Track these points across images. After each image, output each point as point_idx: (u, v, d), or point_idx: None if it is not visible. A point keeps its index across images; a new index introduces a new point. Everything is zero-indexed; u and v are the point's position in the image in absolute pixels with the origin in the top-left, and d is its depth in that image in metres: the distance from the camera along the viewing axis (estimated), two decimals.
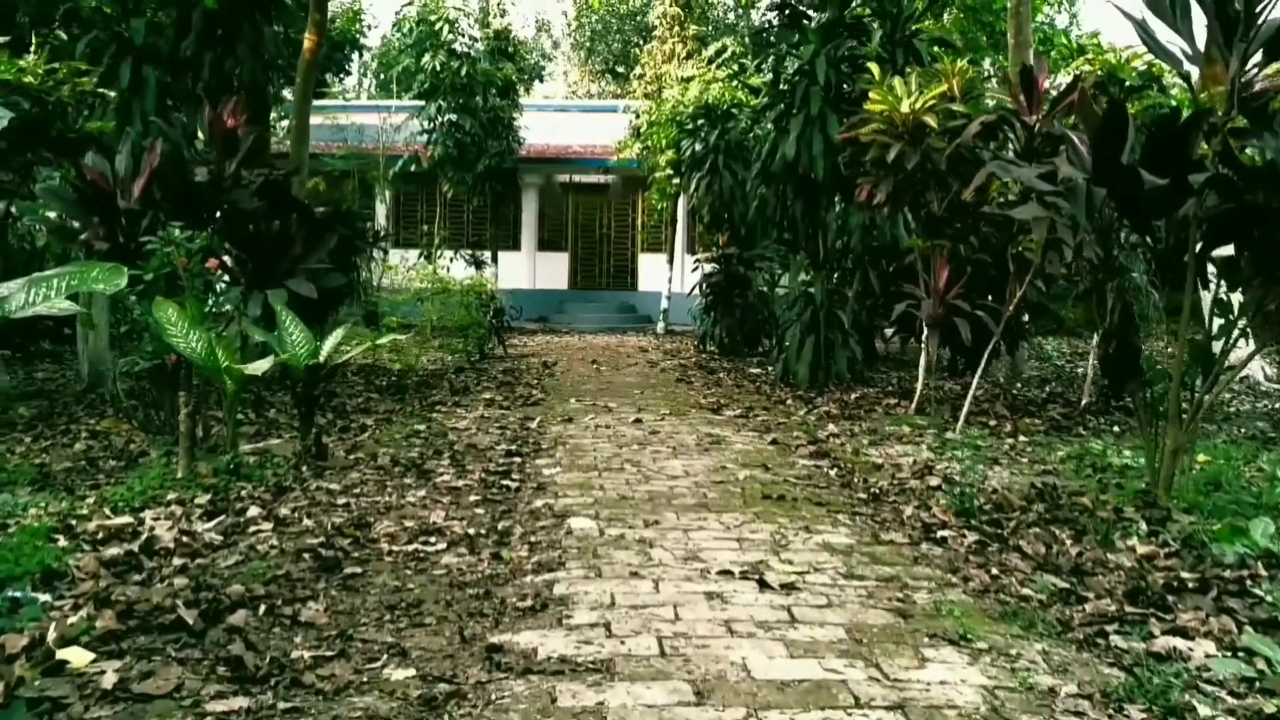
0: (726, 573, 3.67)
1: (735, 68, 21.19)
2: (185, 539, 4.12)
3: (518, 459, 6.06)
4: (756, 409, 8.94)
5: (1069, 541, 4.52)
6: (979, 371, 8.22)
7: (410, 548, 3.94)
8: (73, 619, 3.19)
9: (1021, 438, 7.89)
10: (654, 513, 4.66)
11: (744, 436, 7.23)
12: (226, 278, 8.24)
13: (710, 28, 26.86)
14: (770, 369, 13.30)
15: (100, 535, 4.34)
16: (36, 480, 5.76)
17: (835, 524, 4.62)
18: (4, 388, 9.56)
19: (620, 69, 36.67)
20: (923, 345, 8.98)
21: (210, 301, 7.17)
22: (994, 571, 3.94)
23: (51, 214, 7.98)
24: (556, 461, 5.95)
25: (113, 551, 4.00)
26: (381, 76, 31.97)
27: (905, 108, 8.04)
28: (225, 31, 10.18)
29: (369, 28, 28.19)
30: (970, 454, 7.06)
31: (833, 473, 5.99)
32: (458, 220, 23.98)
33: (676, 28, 22.33)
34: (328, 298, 10.68)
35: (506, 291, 21.44)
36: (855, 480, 5.76)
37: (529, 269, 23.96)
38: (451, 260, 20.34)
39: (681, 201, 21.25)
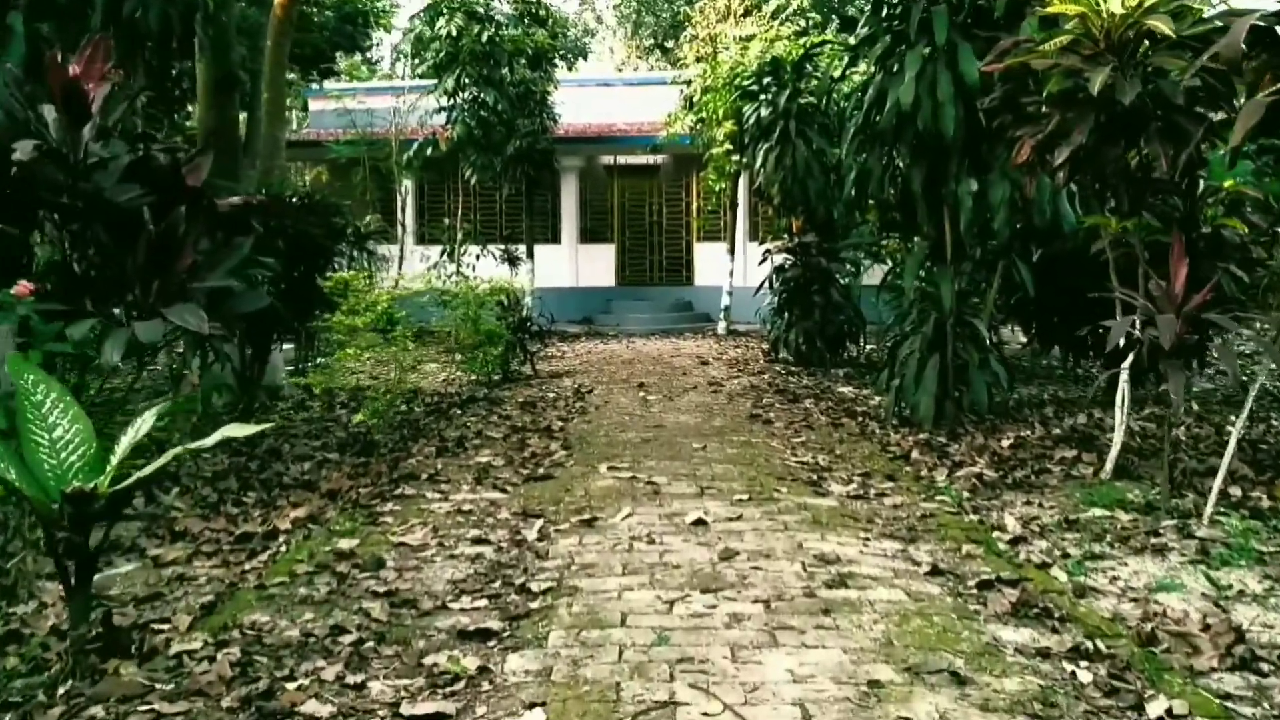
0: None
1: (803, 23, 18.27)
2: None
3: (474, 654, 3.22)
4: (875, 474, 6.02)
5: None
6: (1241, 421, 5.19)
7: None
8: None
9: None
10: None
11: (879, 556, 4.31)
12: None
13: None
14: (866, 388, 10.35)
15: None
16: None
17: None
18: None
19: (670, 44, 33.76)
20: (1120, 380, 5.99)
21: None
22: None
23: None
24: (543, 669, 3.08)
25: None
26: (415, 60, 29.30)
27: (1116, 6, 5.05)
28: None
29: (395, 5, 25.51)
30: (1266, 577, 4.12)
31: (1085, 678, 3.05)
32: (489, 211, 21.29)
33: None
34: (262, 323, 8.04)
35: (542, 291, 18.73)
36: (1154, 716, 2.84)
37: (570, 264, 21.20)
38: (478, 257, 17.65)
39: (743, 181, 18.30)
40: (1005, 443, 6.90)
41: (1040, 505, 5.43)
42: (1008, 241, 7.42)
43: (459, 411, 9.12)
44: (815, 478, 5.84)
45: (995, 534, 4.72)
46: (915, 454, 6.71)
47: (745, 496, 5.24)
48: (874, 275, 13.60)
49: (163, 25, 7.62)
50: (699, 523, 4.71)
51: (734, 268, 18.52)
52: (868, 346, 13.67)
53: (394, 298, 7.14)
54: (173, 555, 4.69)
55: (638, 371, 12.04)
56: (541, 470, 6.19)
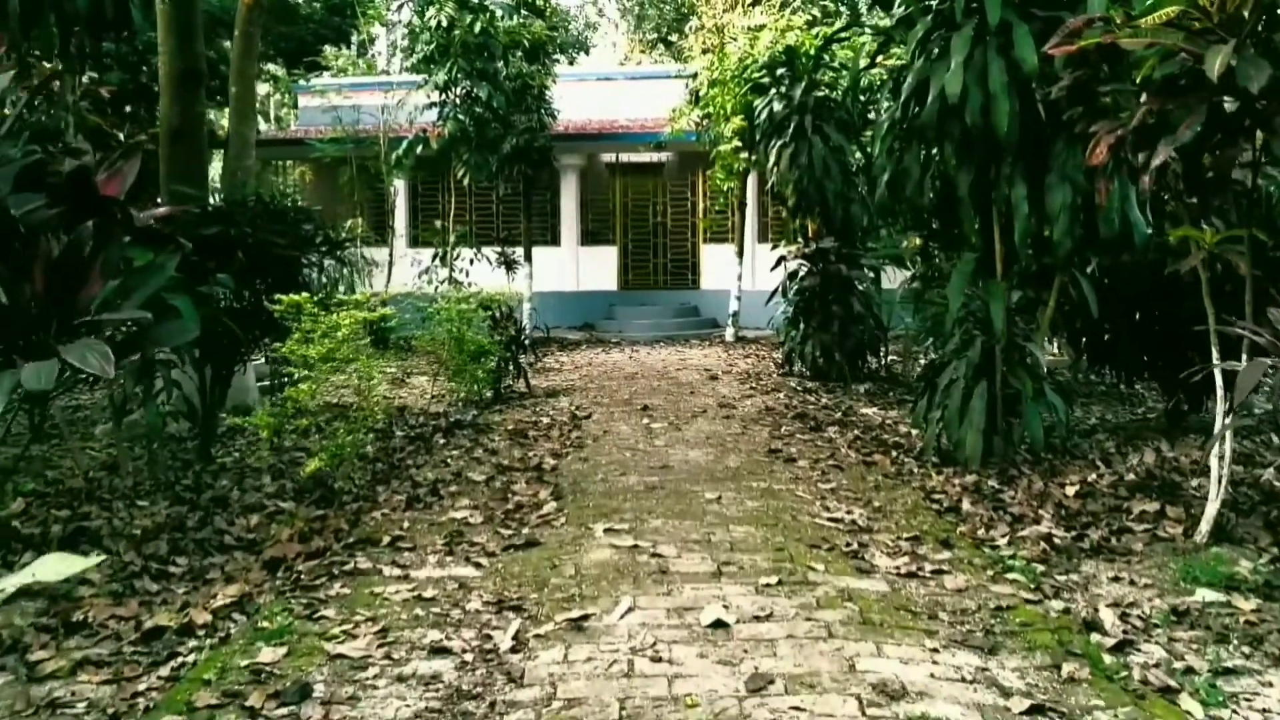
0: None
1: (815, 13, 17.29)
2: None
3: None
4: (926, 538, 5.02)
5: None
6: None
7: None
8: None
9: None
10: None
11: (956, 680, 3.29)
12: None
13: None
14: (891, 409, 9.37)
15: None
16: None
17: None
18: None
19: (674, 37, 32.79)
20: (1221, 424, 4.99)
21: None
22: None
23: None
24: None
25: None
26: (409, 53, 28.18)
27: None
28: None
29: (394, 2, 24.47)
30: None
31: None
32: (485, 212, 20.31)
33: None
34: (220, 342, 7.13)
35: (541, 296, 17.83)
36: None
37: (571, 267, 20.22)
38: (472, 261, 16.68)
39: (752, 180, 17.35)
40: (1070, 490, 5.91)
41: (1133, 583, 4.43)
42: (1069, 255, 6.42)
43: (442, 440, 8.17)
44: (855, 545, 4.84)
45: (1093, 637, 3.72)
46: (966, 504, 5.72)
47: (773, 579, 4.24)
48: (892, 277, 12.64)
49: (93, 8, 6.64)
50: (718, 625, 3.70)
51: (742, 271, 17.56)
52: (889, 357, 12.69)
53: (357, 321, 6.11)
54: (56, 664, 3.71)
55: (641, 390, 11.05)
56: (526, 531, 5.20)
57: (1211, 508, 4.99)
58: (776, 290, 12.30)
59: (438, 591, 4.25)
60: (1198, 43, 4.23)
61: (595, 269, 20.39)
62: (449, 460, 7.26)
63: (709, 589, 4.14)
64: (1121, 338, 8.04)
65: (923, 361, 12.75)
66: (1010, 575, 4.45)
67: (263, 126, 25.95)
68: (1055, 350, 11.67)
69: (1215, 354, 5.07)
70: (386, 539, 5.14)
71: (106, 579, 4.79)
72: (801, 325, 11.94)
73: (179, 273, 6.53)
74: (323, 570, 4.67)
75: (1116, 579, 4.51)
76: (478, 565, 4.63)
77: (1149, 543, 5.04)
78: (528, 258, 17.88)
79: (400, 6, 16.67)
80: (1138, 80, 4.51)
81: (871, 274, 12.16)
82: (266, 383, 10.12)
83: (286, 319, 6.13)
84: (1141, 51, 4.52)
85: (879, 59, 7.85)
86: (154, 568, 4.94)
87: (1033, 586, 4.31)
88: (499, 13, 16.73)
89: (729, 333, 17.56)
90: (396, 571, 4.58)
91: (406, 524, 5.46)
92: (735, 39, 16.16)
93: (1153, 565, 4.70)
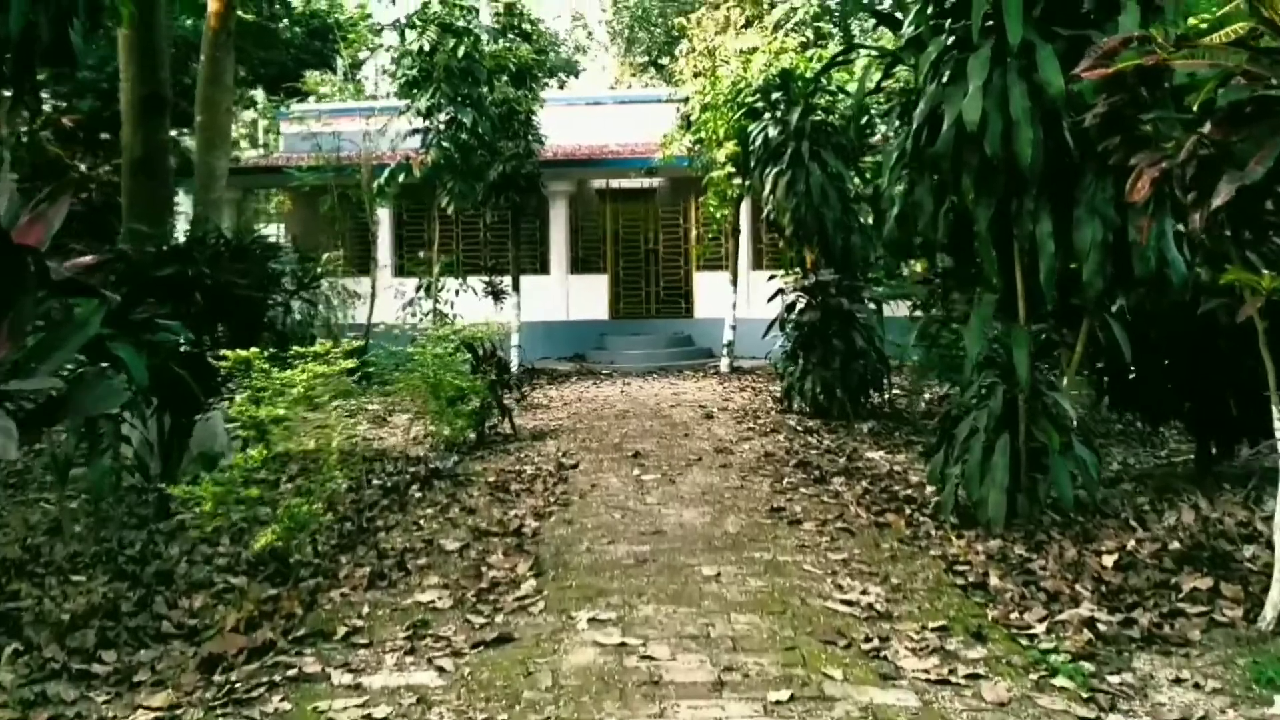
0: None
1: (809, 35, 16.83)
2: None
3: None
4: (954, 628, 4.41)
5: None
6: None
7: None
8: None
9: None
10: None
11: None
12: None
13: None
14: (899, 451, 8.79)
15: None
16: None
17: None
18: None
19: (665, 60, 32.38)
20: None
21: None
22: None
23: None
24: None
25: None
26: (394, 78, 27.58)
27: None
28: None
29: (366, 14, 23.94)
30: None
31: None
32: (472, 240, 19.75)
33: None
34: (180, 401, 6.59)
35: (530, 326, 17.27)
36: None
37: (561, 296, 19.65)
38: (458, 292, 16.09)
39: (746, 206, 16.83)
40: (1107, 560, 5.31)
41: (1198, 686, 3.83)
42: (1099, 296, 5.84)
43: (417, 493, 7.57)
44: (874, 639, 4.23)
45: None
46: (994, 579, 5.12)
47: (784, 693, 3.61)
48: (894, 307, 12.11)
49: (25, 35, 6.02)
50: None
51: (737, 299, 16.97)
52: (892, 391, 12.11)
53: (314, 377, 5.49)
54: None
55: (632, 431, 10.44)
56: (499, 620, 4.57)
57: (1277, 591, 4.40)
58: (774, 323, 11.73)
59: (391, 709, 3.63)
60: (1264, 63, 3.68)
61: (585, 298, 19.82)
62: (421, 522, 6.65)
63: (708, 708, 3.52)
64: (1149, 379, 7.46)
65: (927, 397, 12.22)
66: (1056, 680, 3.83)
67: (250, 153, 25.38)
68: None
69: (1276, 414, 4.49)
70: (342, 630, 4.52)
71: (21, 681, 4.18)
72: (800, 360, 11.37)
73: (124, 321, 5.97)
74: (264, 674, 4.04)
75: (1178, 680, 3.90)
76: (441, 670, 4.00)
77: (1206, 629, 4.44)
78: (516, 287, 17.30)
79: (381, 30, 16.14)
80: (1195, 107, 3.95)
81: (874, 305, 11.62)
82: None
83: (235, 375, 5.51)
84: (1185, 75, 3.97)
85: (884, 83, 7.30)
86: (75, 667, 4.32)
87: (1085, 696, 3.70)
88: (484, 36, 16.21)
89: (724, 363, 16.98)
90: (347, 678, 3.96)
91: (366, 608, 4.84)
92: (727, 62, 15.66)
93: (1216, 660, 4.10)
